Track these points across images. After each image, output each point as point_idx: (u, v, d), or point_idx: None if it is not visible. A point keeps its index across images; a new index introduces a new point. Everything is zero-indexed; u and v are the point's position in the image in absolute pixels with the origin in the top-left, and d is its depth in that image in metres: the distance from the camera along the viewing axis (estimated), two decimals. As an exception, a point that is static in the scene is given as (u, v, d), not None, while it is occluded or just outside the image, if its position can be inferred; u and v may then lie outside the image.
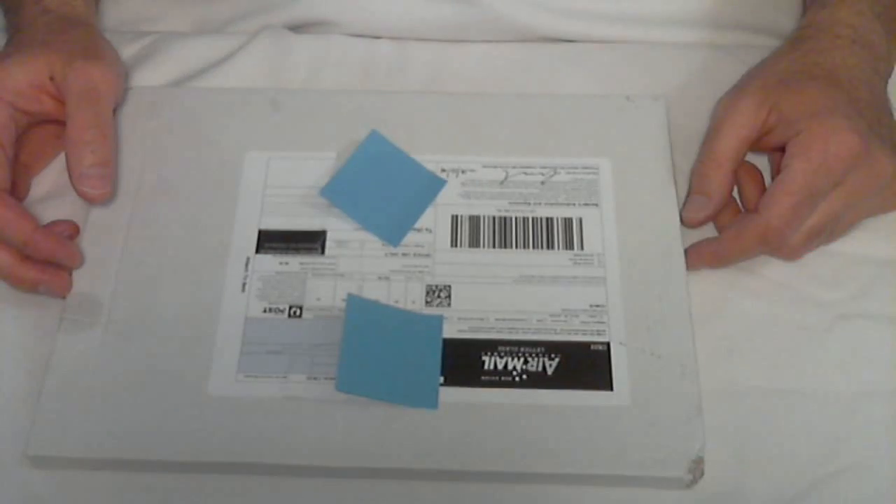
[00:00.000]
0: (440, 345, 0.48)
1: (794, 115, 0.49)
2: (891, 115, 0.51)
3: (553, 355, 0.48)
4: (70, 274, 0.50)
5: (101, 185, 0.49)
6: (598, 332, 0.48)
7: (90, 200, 0.50)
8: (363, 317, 0.48)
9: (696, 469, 0.45)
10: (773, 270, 0.51)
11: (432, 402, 0.46)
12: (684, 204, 0.52)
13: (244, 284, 0.50)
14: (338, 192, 0.52)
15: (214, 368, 0.47)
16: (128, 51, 0.59)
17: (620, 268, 0.50)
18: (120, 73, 0.52)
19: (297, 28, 0.60)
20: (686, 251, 0.50)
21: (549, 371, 0.47)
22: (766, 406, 0.47)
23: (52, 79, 0.50)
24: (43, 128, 0.53)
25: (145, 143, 0.54)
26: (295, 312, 0.49)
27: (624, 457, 0.45)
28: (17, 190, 0.52)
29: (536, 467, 0.45)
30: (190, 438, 0.46)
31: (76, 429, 0.46)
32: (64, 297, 0.49)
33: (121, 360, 0.48)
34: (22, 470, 0.46)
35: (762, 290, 0.50)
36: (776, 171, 0.51)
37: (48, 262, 0.49)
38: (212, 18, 0.60)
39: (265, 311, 0.49)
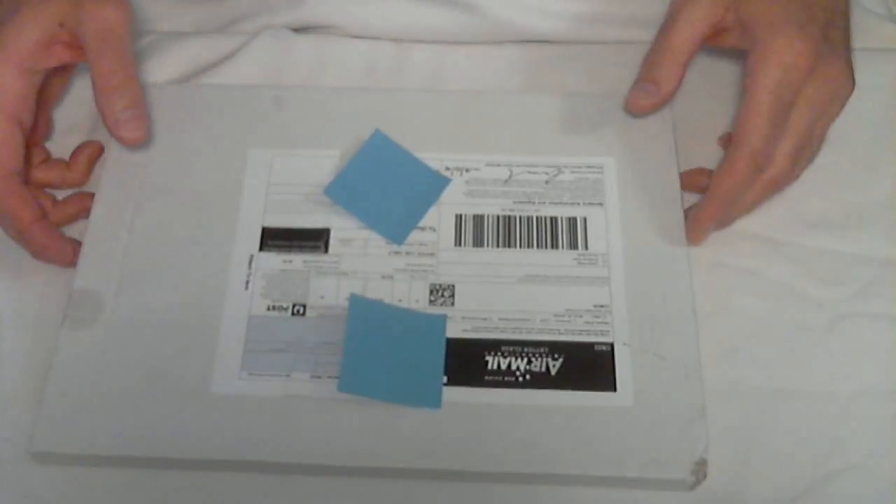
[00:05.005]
0: (444, 344, 0.48)
1: (750, 22, 0.48)
2: (844, 16, 0.51)
3: (556, 355, 0.48)
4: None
5: (137, 128, 0.48)
6: (602, 333, 0.48)
7: (129, 144, 0.49)
8: (366, 317, 0.48)
9: (699, 471, 0.45)
10: (774, 270, 0.51)
11: (435, 402, 0.46)
12: (629, 91, 0.51)
13: (247, 282, 0.50)
14: (341, 190, 0.52)
15: (217, 367, 0.47)
16: None
17: (625, 268, 0.50)
18: (131, 8, 0.50)
19: (297, 30, 0.60)
20: (687, 224, 0.50)
21: (553, 371, 0.47)
22: (767, 406, 0.47)
23: (62, 25, 0.48)
24: None
25: (147, 139, 0.54)
26: (298, 311, 0.49)
27: (626, 458, 0.45)
28: (38, 131, 0.52)
29: (539, 468, 0.45)
30: (193, 436, 0.45)
31: (79, 426, 0.46)
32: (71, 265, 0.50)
33: (124, 357, 0.47)
34: (24, 468, 0.46)
35: (762, 290, 0.50)
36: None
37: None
38: (212, 20, 0.60)
39: (269, 308, 0.49)
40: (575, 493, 0.45)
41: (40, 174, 0.53)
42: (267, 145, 0.54)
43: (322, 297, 0.49)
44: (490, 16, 0.57)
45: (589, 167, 0.53)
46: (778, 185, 0.50)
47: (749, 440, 0.46)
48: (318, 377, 0.47)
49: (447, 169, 0.53)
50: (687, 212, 0.51)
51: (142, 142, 0.49)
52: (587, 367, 0.47)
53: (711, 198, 0.49)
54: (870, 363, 0.48)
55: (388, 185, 0.52)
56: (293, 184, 0.53)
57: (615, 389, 0.47)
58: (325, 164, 0.53)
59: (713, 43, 0.51)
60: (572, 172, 0.53)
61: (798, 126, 0.48)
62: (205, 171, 0.53)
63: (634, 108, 0.51)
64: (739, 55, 0.50)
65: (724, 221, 0.51)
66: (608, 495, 0.45)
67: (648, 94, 0.50)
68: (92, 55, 0.48)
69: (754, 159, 0.47)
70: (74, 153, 0.54)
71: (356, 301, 0.48)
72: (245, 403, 0.46)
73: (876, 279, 0.50)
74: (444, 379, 0.47)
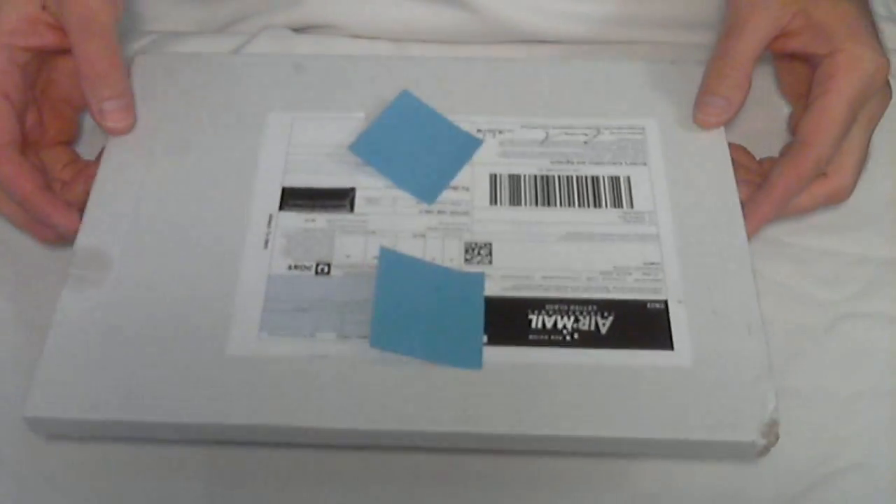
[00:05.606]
0: (482, 302, 0.44)
1: (825, 26, 0.47)
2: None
3: (606, 313, 0.43)
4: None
5: (123, 118, 0.49)
6: (655, 291, 0.44)
7: (114, 134, 0.49)
8: (397, 272, 0.44)
9: (770, 432, 0.40)
10: (774, 270, 0.49)
11: (476, 362, 0.42)
12: (697, 105, 0.49)
13: (267, 241, 0.46)
14: (368, 147, 0.48)
15: (234, 327, 0.43)
16: (127, 50, 0.56)
17: (674, 225, 0.46)
18: None
19: (297, 30, 0.58)
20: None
21: (603, 330, 0.43)
22: None
23: (44, 8, 0.47)
24: (69, 58, 0.49)
25: (159, 105, 0.50)
26: (323, 269, 0.45)
27: (688, 420, 0.41)
28: (65, 131, 0.51)
29: (592, 430, 0.40)
30: (206, 399, 0.41)
31: (79, 388, 0.41)
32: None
33: (130, 318, 0.43)
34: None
35: (762, 290, 0.47)
36: (784, 78, 0.52)
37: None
38: (212, 19, 0.58)
39: (290, 267, 0.45)
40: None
41: (65, 175, 0.50)
42: (287, 109, 0.50)
43: (348, 256, 0.45)
44: (490, 15, 0.56)
45: (630, 128, 0.50)
46: (839, 198, 0.49)
47: None
48: (346, 337, 0.43)
49: (479, 131, 0.50)
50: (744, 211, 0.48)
51: (126, 131, 0.49)
52: (640, 325, 0.43)
53: (770, 194, 0.47)
54: (870, 363, 0.46)
55: (416, 144, 0.49)
56: (315, 145, 0.49)
57: (672, 348, 0.42)
58: (348, 125, 0.49)
59: (773, 47, 0.49)
60: (612, 133, 0.50)
61: (862, 141, 0.49)
62: (220, 132, 0.49)
63: (705, 125, 0.49)
64: (802, 58, 0.49)
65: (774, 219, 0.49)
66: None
67: (720, 110, 0.49)
68: (74, 41, 0.47)
69: (819, 162, 0.47)
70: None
71: (386, 254, 0.44)
72: (265, 365, 0.42)
73: (876, 279, 0.49)
74: (485, 338, 0.43)
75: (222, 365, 0.42)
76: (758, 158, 0.51)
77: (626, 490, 0.43)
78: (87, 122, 0.53)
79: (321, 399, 0.41)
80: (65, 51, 0.49)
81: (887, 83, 0.49)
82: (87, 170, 0.49)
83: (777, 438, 0.40)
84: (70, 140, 0.52)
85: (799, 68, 0.51)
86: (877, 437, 0.44)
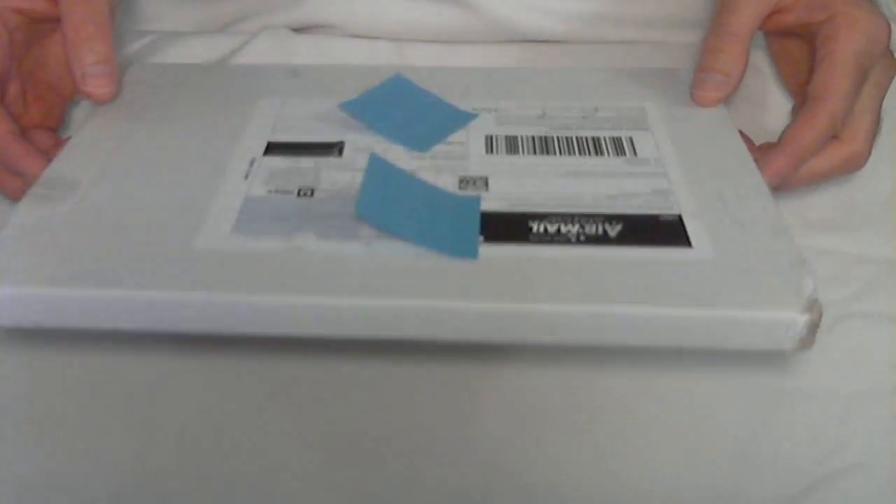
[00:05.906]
0: (478, 219, 0.40)
1: None
2: None
3: (614, 223, 0.40)
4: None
5: (105, 84, 0.47)
6: (666, 207, 0.41)
7: (96, 100, 0.47)
8: (385, 182, 0.41)
9: (814, 309, 0.35)
10: None
11: (472, 251, 0.37)
12: (694, 82, 0.48)
13: (247, 175, 0.43)
14: (360, 107, 0.47)
15: (205, 227, 0.39)
16: (127, 50, 0.57)
17: (681, 166, 0.43)
18: None
19: (297, 30, 0.58)
20: None
21: (612, 234, 0.39)
22: (767, 406, 0.43)
23: None
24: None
25: (150, 91, 0.50)
26: (305, 193, 0.41)
27: (718, 297, 0.36)
28: (48, 116, 0.49)
29: (609, 301, 0.35)
30: (169, 278, 0.36)
31: (35, 267, 0.37)
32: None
33: (92, 223, 0.39)
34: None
35: None
36: (783, 68, 0.51)
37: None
38: (212, 19, 0.59)
39: (270, 192, 0.42)
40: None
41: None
42: (279, 97, 0.50)
43: (334, 184, 0.42)
44: (490, 15, 0.56)
45: (629, 108, 0.49)
46: (856, 163, 0.48)
47: (749, 440, 0.42)
48: (328, 237, 0.38)
49: (474, 109, 0.49)
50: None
51: (109, 98, 0.47)
52: (653, 230, 0.39)
53: (785, 147, 0.45)
54: (870, 363, 0.45)
55: (409, 111, 0.47)
56: (305, 115, 0.48)
57: (691, 246, 0.38)
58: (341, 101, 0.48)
59: (769, 24, 0.50)
60: (610, 112, 0.48)
61: (873, 105, 0.48)
62: (213, 110, 0.48)
63: (704, 102, 0.48)
64: (799, 34, 0.49)
65: (788, 183, 0.47)
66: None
67: (718, 86, 0.48)
68: (63, 6, 0.47)
69: (833, 116, 0.45)
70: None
71: (375, 161, 0.41)
72: (236, 256, 0.37)
73: (876, 279, 0.48)
74: (481, 239, 0.38)
75: (190, 258, 0.37)
76: None
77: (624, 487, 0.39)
78: (76, 115, 0.52)
79: (297, 279, 0.36)
80: (56, 21, 0.48)
81: (891, 51, 0.48)
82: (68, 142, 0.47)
83: (820, 317, 0.35)
84: (53, 128, 0.50)
85: (797, 54, 0.50)
86: (877, 437, 0.43)
